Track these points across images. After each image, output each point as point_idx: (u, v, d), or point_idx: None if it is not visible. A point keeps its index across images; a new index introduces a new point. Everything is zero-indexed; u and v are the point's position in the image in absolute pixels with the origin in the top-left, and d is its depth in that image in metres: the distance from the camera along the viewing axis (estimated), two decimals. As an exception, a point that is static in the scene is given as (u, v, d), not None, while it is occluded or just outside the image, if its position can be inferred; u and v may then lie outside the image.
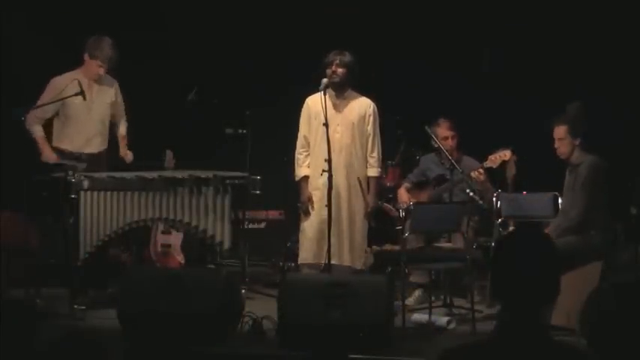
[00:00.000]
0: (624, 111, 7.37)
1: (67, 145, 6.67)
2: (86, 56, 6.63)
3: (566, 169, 5.91)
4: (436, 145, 6.77)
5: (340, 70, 6.27)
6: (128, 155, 6.89)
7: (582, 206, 5.71)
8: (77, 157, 6.62)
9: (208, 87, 7.50)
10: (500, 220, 6.28)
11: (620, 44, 7.53)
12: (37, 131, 6.61)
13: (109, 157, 6.85)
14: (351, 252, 6.31)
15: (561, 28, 7.70)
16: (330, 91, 6.28)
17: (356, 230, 6.35)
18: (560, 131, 5.83)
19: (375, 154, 6.41)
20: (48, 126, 6.71)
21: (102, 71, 6.64)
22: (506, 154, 6.48)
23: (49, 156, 6.59)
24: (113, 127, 6.90)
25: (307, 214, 6.38)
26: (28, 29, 7.75)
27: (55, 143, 6.69)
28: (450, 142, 6.78)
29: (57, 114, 6.66)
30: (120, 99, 6.89)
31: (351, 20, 7.99)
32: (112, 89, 6.82)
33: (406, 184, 7.16)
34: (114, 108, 6.85)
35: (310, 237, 6.33)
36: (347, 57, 6.31)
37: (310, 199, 6.36)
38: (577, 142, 5.81)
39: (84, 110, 6.66)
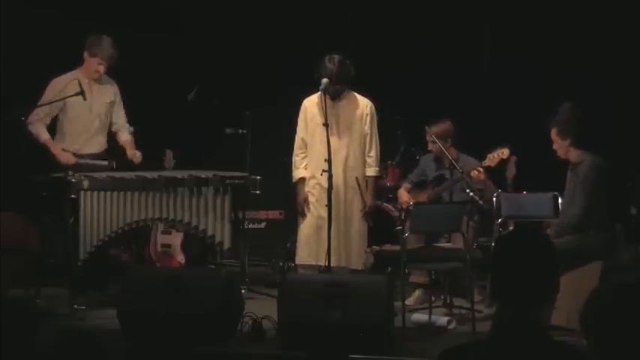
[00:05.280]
0: (624, 110, 7.37)
1: (67, 145, 6.66)
2: (86, 54, 6.62)
3: (568, 168, 5.91)
4: (432, 141, 6.78)
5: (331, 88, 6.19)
6: (137, 155, 6.80)
7: (582, 205, 5.70)
8: (78, 157, 6.62)
9: (208, 87, 7.50)
10: (500, 220, 6.27)
11: (620, 43, 7.52)
12: (43, 134, 6.57)
13: (116, 161, 6.82)
14: (349, 252, 6.30)
15: (561, 27, 7.70)
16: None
17: (354, 230, 6.35)
18: (551, 133, 5.86)
19: (372, 154, 6.40)
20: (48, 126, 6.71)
21: (102, 69, 6.64)
22: (504, 152, 6.49)
23: (67, 158, 6.54)
24: (116, 134, 6.88)
25: (303, 215, 6.38)
26: (28, 28, 7.74)
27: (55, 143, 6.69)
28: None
29: (57, 114, 6.66)
30: (120, 103, 6.86)
31: (351, 19, 7.99)
32: (111, 90, 6.81)
33: (406, 184, 7.16)
34: (114, 110, 6.83)
35: (306, 237, 6.34)
36: (332, 66, 6.16)
37: (306, 200, 6.36)
38: (567, 143, 5.80)
39: (84, 110, 6.66)
